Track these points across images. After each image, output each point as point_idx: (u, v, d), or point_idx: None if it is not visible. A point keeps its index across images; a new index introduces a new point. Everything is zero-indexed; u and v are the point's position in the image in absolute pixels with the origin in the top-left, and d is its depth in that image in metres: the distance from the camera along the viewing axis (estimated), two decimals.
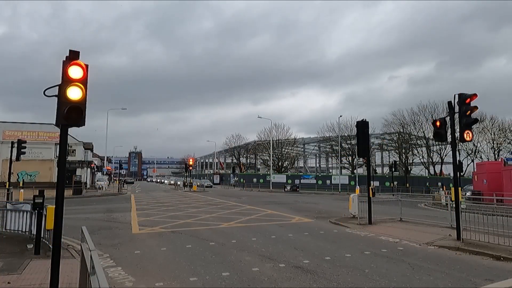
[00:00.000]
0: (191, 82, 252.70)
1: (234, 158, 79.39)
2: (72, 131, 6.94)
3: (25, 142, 22.52)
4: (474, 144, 48.21)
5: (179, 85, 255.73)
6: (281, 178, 55.03)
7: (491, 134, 48.59)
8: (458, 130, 10.33)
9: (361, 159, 44.64)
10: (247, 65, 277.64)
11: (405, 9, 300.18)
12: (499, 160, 38.21)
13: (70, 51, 5.06)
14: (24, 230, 9.85)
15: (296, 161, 75.48)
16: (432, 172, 55.30)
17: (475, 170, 35.39)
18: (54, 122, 5.01)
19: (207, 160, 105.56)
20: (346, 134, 54.46)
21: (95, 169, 59.14)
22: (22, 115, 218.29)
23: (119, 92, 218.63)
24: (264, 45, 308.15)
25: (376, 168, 63.23)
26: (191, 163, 51.72)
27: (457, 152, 12.51)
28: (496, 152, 48.46)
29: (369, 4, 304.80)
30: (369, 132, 15.72)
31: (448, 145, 42.66)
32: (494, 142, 48.56)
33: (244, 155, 76.54)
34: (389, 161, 58.48)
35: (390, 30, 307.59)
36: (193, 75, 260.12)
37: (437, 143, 47.23)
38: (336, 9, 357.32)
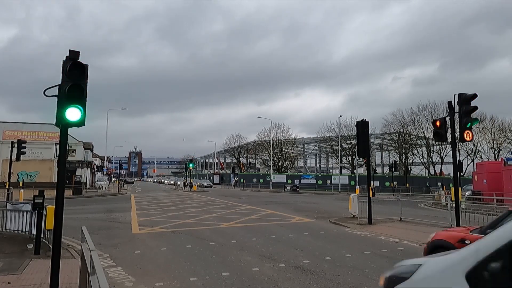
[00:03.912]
0: (198, 83, 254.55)
1: (234, 158, 79.34)
2: (72, 131, 6.93)
3: (25, 142, 22.54)
4: (474, 144, 48.15)
5: (185, 86, 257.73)
6: (281, 178, 54.99)
7: (491, 134, 48.54)
8: (458, 130, 10.33)
9: (361, 159, 44.61)
10: (253, 66, 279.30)
11: (410, 12, 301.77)
12: (499, 160, 38.19)
13: (70, 51, 5.06)
14: (24, 230, 9.84)
15: (296, 161, 75.45)
16: (432, 172, 55.27)
17: (475, 170, 35.37)
18: (54, 122, 5.01)
19: (207, 160, 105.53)
20: (346, 134, 54.45)
21: (95, 169, 59.14)
22: (30, 115, 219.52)
23: (126, 92, 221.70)
24: (272, 47, 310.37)
25: (376, 168, 63.20)
26: (191, 167, 51.62)
27: (457, 152, 12.51)
28: (496, 152, 48.41)
29: (376, 7, 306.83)
30: (369, 132, 15.72)
31: (448, 145, 42.63)
32: (494, 142, 48.50)
33: (244, 155, 76.50)
34: (389, 161, 58.48)
35: (395, 33, 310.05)
36: (200, 76, 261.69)
37: (437, 143, 47.19)
38: (344, 12, 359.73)
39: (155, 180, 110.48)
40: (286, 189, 46.98)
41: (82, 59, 5.12)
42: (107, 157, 69.06)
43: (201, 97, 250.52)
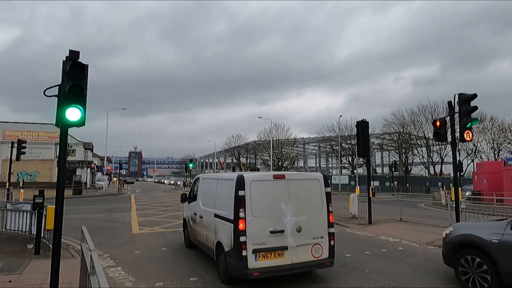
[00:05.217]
0: (200, 84, 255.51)
1: (234, 158, 79.35)
2: (72, 131, 6.94)
3: (25, 142, 22.51)
4: (474, 144, 48.13)
5: (187, 87, 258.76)
6: None
7: (491, 134, 48.54)
8: (458, 130, 10.32)
9: (361, 159, 44.59)
10: (256, 66, 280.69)
11: (412, 13, 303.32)
12: (499, 160, 38.18)
13: (70, 51, 5.05)
14: (24, 230, 9.85)
15: (296, 161, 75.43)
16: (432, 172, 55.25)
17: (475, 170, 35.36)
18: (54, 122, 5.01)
19: (207, 160, 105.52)
20: (346, 134, 54.43)
21: (95, 169, 59.12)
22: (32, 115, 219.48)
23: (128, 93, 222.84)
24: (274, 48, 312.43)
25: (376, 168, 63.15)
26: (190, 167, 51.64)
27: (457, 152, 12.51)
28: (496, 152, 48.41)
29: (378, 8, 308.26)
30: (369, 132, 15.70)
31: (448, 145, 42.62)
32: (494, 142, 48.50)
33: (244, 155, 76.49)
34: (389, 161, 58.42)
35: (397, 33, 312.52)
36: (202, 76, 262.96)
37: (437, 143, 47.17)
38: (346, 13, 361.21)
39: (155, 180, 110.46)
40: None
41: (85, 60, 5.10)
42: (107, 157, 69.02)
43: (202, 98, 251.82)
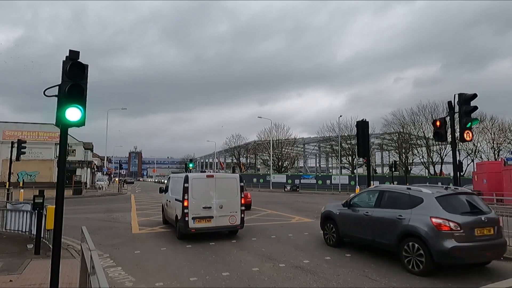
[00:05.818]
0: (201, 84, 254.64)
1: (234, 158, 79.36)
2: (72, 131, 6.94)
3: (25, 142, 22.52)
4: (474, 144, 48.07)
5: (189, 87, 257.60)
6: (281, 178, 54.92)
7: (491, 134, 48.48)
8: (458, 130, 10.32)
9: (361, 159, 44.55)
10: (257, 67, 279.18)
11: (413, 14, 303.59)
12: (499, 160, 38.16)
13: (70, 51, 5.05)
14: (24, 230, 9.85)
15: (296, 161, 75.41)
16: (432, 172, 55.20)
17: (475, 170, 35.34)
18: (54, 122, 5.01)
19: (207, 160, 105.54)
20: (346, 134, 54.38)
21: (95, 169, 59.11)
22: (34, 115, 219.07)
23: (129, 93, 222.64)
24: (276, 48, 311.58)
25: (376, 168, 63.10)
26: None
27: (457, 152, 12.50)
28: (496, 152, 48.37)
29: (380, 9, 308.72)
30: (369, 132, 15.66)
31: (448, 145, 42.61)
32: (494, 142, 48.44)
33: (244, 155, 76.50)
34: (389, 161, 58.38)
35: (398, 34, 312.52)
36: (203, 77, 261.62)
37: (437, 143, 47.13)
38: (348, 13, 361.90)
39: (155, 180, 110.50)
40: (286, 189, 46.92)
41: (87, 60, 5.09)
42: (107, 157, 69.00)
43: (204, 98, 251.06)
